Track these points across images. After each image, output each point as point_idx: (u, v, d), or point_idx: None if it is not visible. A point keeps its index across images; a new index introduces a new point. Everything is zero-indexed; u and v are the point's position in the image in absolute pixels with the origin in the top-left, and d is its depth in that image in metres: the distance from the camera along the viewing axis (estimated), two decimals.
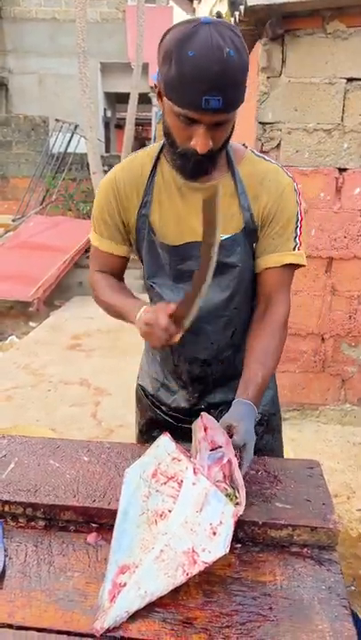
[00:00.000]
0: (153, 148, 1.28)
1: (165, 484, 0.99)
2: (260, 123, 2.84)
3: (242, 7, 2.62)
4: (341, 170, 2.86)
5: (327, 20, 2.68)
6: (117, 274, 1.40)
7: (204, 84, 0.97)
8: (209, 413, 1.34)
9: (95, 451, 1.26)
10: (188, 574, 0.88)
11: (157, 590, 0.87)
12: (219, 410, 1.38)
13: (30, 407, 3.68)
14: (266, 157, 1.27)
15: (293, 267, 1.26)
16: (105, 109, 13.47)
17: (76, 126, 9.59)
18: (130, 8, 11.26)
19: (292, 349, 3.13)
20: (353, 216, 2.91)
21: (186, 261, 1.24)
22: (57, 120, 9.83)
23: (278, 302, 1.26)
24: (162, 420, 1.46)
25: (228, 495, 1.00)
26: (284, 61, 2.75)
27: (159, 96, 1.10)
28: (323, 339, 3.12)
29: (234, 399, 1.35)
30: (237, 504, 1.00)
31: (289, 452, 2.64)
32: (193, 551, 0.90)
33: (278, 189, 1.21)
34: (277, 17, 2.65)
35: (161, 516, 0.94)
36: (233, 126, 1.11)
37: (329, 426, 3.21)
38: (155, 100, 12.98)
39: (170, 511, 0.94)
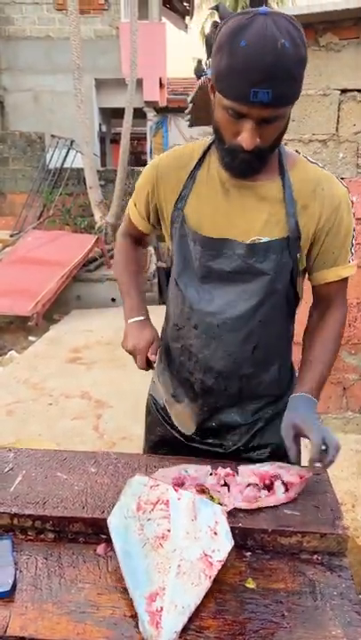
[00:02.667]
0: (204, 141, 1.25)
1: (153, 510, 1.00)
2: None
3: None
4: None
5: (320, 33, 2.73)
6: (140, 241, 1.48)
7: (253, 75, 0.94)
8: (219, 434, 1.33)
9: (102, 462, 1.26)
10: (210, 577, 0.90)
11: (192, 601, 0.87)
12: (231, 433, 1.32)
13: (32, 421, 3.66)
14: (319, 164, 1.22)
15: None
16: (100, 124, 13.59)
17: (71, 142, 9.67)
18: (123, 25, 11.41)
19: (294, 358, 3.14)
20: None
21: (217, 258, 1.19)
22: (53, 136, 9.91)
23: (336, 306, 1.29)
24: (171, 438, 1.40)
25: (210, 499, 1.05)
26: None
27: (212, 90, 1.06)
28: None
29: (250, 422, 1.32)
30: (220, 503, 1.05)
31: None
32: (205, 555, 0.93)
33: (334, 202, 1.17)
34: None
35: (162, 537, 0.95)
36: (286, 124, 1.07)
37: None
38: (149, 115, 13.13)
39: (169, 530, 0.96)
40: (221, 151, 1.11)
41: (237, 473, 1.15)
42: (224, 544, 0.95)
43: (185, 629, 0.85)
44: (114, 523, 0.99)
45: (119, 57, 11.78)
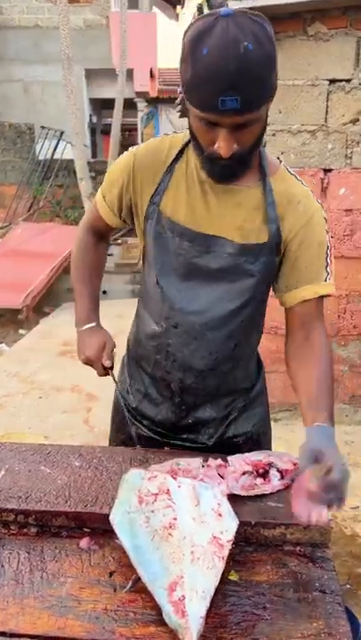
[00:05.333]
0: (183, 134, 1.20)
1: (155, 501, 0.99)
2: None
3: None
4: (326, 170, 2.88)
5: (308, 23, 2.71)
6: (104, 234, 1.41)
7: (218, 84, 0.91)
8: (195, 430, 1.33)
9: (86, 456, 1.26)
10: (223, 558, 0.92)
11: (211, 586, 0.88)
12: (206, 427, 1.32)
13: (22, 415, 3.65)
14: (298, 177, 1.20)
15: (325, 296, 1.20)
16: (90, 115, 13.47)
17: (61, 133, 9.59)
18: (113, 14, 11.29)
19: (283, 350, 3.14)
20: (339, 216, 2.93)
21: (204, 255, 1.15)
22: (42, 127, 9.82)
23: (319, 330, 1.20)
24: (144, 436, 1.37)
25: None
26: None
27: (184, 98, 1.03)
28: None
29: (223, 415, 1.31)
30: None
31: None
32: (214, 537, 0.94)
33: (306, 215, 1.15)
34: None
35: (170, 527, 0.95)
36: (265, 126, 1.05)
37: None
38: (140, 106, 13.03)
39: (175, 519, 0.96)
40: (201, 158, 1.08)
41: (228, 463, 1.15)
42: (230, 523, 0.97)
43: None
44: (117, 519, 0.97)
45: (109, 47, 11.66)
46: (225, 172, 1.07)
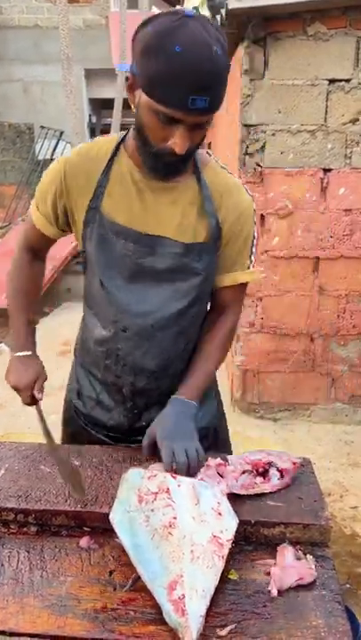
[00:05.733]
0: (113, 136, 1.20)
1: (155, 500, 0.99)
2: (244, 125, 2.85)
3: (223, 10, 2.64)
4: (326, 170, 2.89)
5: (308, 23, 2.71)
6: (41, 250, 1.39)
7: (192, 83, 0.92)
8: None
9: (86, 455, 1.26)
10: (223, 557, 0.92)
11: (211, 584, 0.88)
12: None
13: (22, 415, 3.64)
14: (228, 170, 1.22)
15: (247, 282, 1.29)
16: (90, 115, 13.47)
17: (61, 133, 9.59)
18: (113, 14, 11.29)
19: (282, 349, 3.15)
20: (338, 216, 2.93)
21: (149, 256, 1.16)
22: (42, 127, 9.83)
23: (230, 312, 1.30)
24: (96, 441, 1.36)
25: None
26: (266, 64, 2.77)
27: (130, 88, 1.03)
28: (312, 338, 3.14)
29: None
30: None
31: None
32: (214, 537, 0.94)
33: (238, 208, 1.19)
34: (259, 20, 2.67)
35: (170, 526, 0.95)
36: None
37: (320, 425, 3.22)
38: None
39: (175, 518, 0.95)
40: (146, 154, 1.08)
41: (228, 462, 1.15)
42: (230, 523, 0.98)
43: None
44: (117, 519, 0.97)
45: (109, 47, 11.65)
46: (171, 168, 1.09)
